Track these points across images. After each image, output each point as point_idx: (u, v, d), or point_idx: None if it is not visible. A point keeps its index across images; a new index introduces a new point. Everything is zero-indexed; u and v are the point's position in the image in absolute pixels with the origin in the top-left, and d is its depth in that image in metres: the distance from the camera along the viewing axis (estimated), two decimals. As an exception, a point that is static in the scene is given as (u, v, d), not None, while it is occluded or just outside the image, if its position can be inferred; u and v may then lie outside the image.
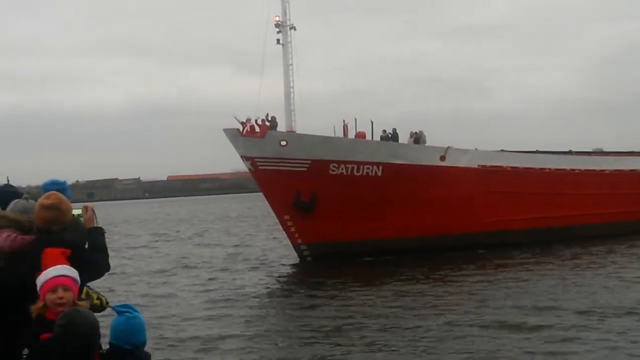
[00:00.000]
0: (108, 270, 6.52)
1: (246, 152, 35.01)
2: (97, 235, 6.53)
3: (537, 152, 43.07)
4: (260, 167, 35.14)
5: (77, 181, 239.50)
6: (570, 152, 44.55)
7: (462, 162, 37.41)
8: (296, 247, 35.96)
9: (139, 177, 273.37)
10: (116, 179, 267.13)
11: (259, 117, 34.68)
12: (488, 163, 38.41)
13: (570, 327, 17.65)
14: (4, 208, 7.01)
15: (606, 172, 42.75)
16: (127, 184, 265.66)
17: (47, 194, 6.54)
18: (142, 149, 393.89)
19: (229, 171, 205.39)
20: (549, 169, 40.42)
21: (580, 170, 41.72)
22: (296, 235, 35.73)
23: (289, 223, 35.72)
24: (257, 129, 34.60)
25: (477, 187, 36.90)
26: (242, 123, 34.63)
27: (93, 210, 6.68)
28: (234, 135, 34.93)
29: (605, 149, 52.63)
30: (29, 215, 6.48)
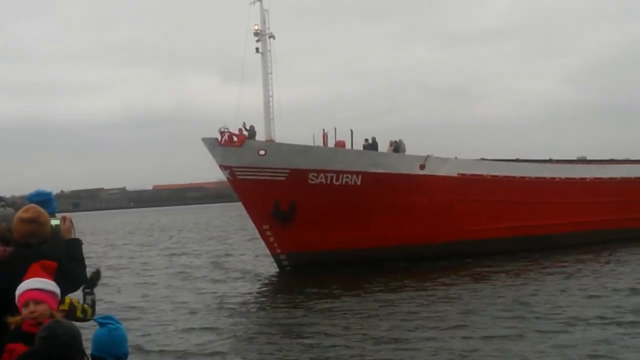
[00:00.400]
0: (85, 281, 6.55)
1: (224, 161, 34.72)
2: (74, 246, 6.55)
3: (517, 160, 43.00)
4: (238, 177, 34.84)
5: (62, 191, 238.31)
6: (550, 160, 44.52)
7: (442, 171, 37.27)
8: (275, 257, 35.65)
9: (125, 187, 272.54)
10: (102, 188, 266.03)
11: (237, 126, 34.46)
12: (468, 171, 38.29)
13: (552, 335, 17.48)
14: None
15: (587, 180, 42.77)
16: (112, 193, 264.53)
17: (25, 207, 6.51)
18: (128, 158, 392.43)
19: (215, 180, 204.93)
20: (529, 177, 40.37)
21: (560, 178, 41.71)
22: (275, 245, 35.44)
23: (268, 233, 35.43)
24: (236, 139, 34.31)
25: (457, 195, 36.76)
26: (221, 132, 34.37)
27: (71, 221, 6.66)
28: (212, 144, 34.65)
29: (598, 156, 52.27)
30: (8, 224, 6.47)
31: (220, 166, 35.10)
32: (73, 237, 6.66)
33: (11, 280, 5.71)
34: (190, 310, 24.26)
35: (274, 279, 33.57)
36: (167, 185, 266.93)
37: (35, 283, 5.48)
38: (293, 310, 23.87)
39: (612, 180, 43.61)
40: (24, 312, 5.35)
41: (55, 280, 5.79)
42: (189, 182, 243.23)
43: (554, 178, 41.43)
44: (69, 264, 6.32)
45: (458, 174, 37.87)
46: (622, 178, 44.34)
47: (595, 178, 43.10)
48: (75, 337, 5.02)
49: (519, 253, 35.62)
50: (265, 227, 35.44)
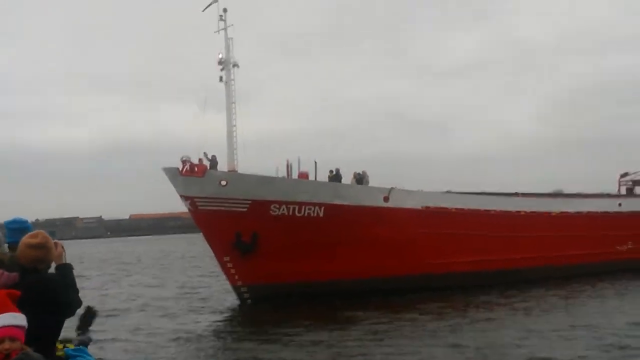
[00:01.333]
0: (79, 306, 6.58)
1: (185, 191, 34.15)
2: (66, 270, 6.58)
3: (483, 193, 42.76)
4: (199, 207, 34.25)
5: (37, 219, 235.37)
6: (516, 194, 44.32)
7: (407, 203, 36.89)
8: (236, 289, 34.99)
9: (101, 216, 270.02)
10: (77, 217, 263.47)
11: (199, 156, 33.88)
12: (433, 204, 37.96)
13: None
14: None
15: (552, 214, 42.61)
16: (88, 222, 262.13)
17: (33, 232, 6.57)
18: (104, 188, 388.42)
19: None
20: (494, 210, 40.10)
21: (525, 212, 41.51)
22: (236, 277, 34.80)
23: (229, 264, 34.81)
24: (196, 169, 33.76)
25: (421, 228, 36.35)
26: (182, 162, 33.81)
27: (62, 247, 6.68)
28: (173, 174, 34.10)
29: (572, 189, 52.22)
30: (10, 253, 6.58)
31: (181, 196, 34.50)
32: (64, 262, 6.64)
33: (28, 308, 5.77)
34: (150, 343, 23.75)
35: (233, 312, 32.86)
36: (145, 215, 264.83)
37: (11, 319, 5.44)
38: (248, 342, 23.53)
39: (577, 215, 43.50)
40: None
41: (54, 308, 6.10)
42: (166, 212, 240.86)
43: (519, 212, 41.23)
44: (67, 292, 6.38)
45: (423, 206, 37.52)
46: (588, 212, 44.26)
47: (560, 212, 42.97)
48: None
49: (480, 287, 35.23)
50: (226, 258, 34.81)
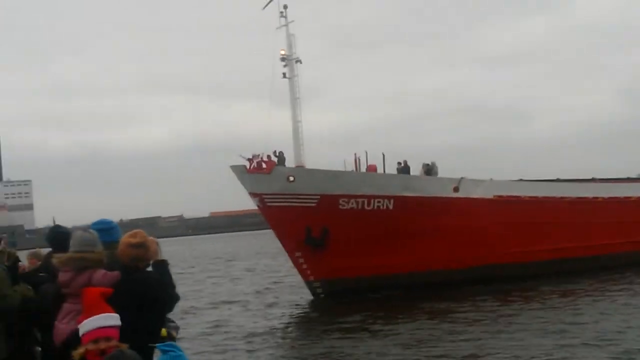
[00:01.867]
0: (178, 300, 6.98)
1: (253, 189, 34.27)
2: (164, 267, 6.90)
3: (557, 180, 41.55)
4: (268, 204, 34.34)
5: (122, 220, 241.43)
6: (593, 180, 42.89)
7: (477, 193, 36.20)
8: (308, 284, 34.97)
9: (182, 215, 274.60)
10: (159, 217, 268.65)
11: (264, 153, 33.89)
12: (504, 193, 37.12)
13: None
14: (56, 249, 7.66)
15: (632, 199, 41.11)
16: (170, 221, 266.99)
17: (132, 232, 6.90)
18: (184, 186, 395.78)
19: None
20: (570, 197, 38.91)
21: (603, 198, 40.14)
22: (308, 272, 34.77)
23: (301, 260, 34.79)
24: (264, 165, 33.82)
25: (492, 217, 35.57)
26: (249, 159, 33.90)
27: (157, 244, 6.95)
28: (241, 172, 34.23)
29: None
30: (94, 248, 6.84)
31: (249, 194, 34.65)
32: (161, 258, 6.93)
33: (129, 305, 6.10)
34: (227, 337, 24.07)
35: (307, 307, 32.84)
36: (223, 212, 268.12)
37: (105, 320, 5.68)
38: (324, 336, 23.56)
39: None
40: (92, 347, 5.50)
41: (155, 306, 6.45)
42: (243, 209, 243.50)
43: (596, 197, 39.90)
44: (166, 287, 6.71)
45: (494, 195, 36.74)
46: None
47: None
48: None
49: (559, 276, 34.27)
50: (298, 254, 34.82)
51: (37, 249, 10.43)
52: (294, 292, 37.01)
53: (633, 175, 48.43)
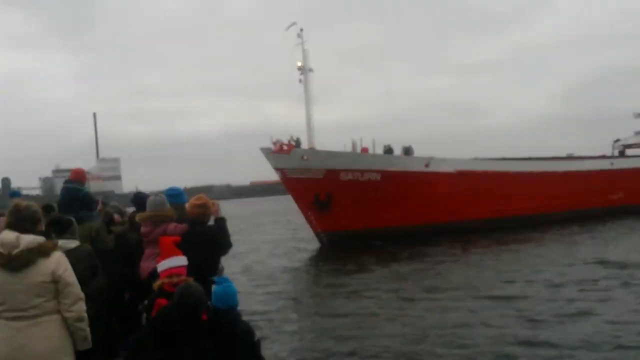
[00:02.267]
0: (231, 247, 7.01)
1: (277, 165, 34.26)
2: (223, 223, 6.95)
3: (503, 159, 41.19)
4: (288, 176, 34.33)
5: (185, 187, 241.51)
6: (529, 158, 42.53)
7: (443, 168, 35.96)
8: (317, 235, 34.97)
9: (230, 183, 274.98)
10: (213, 185, 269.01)
11: (288, 139, 33.90)
12: (464, 168, 36.86)
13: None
14: (138, 209, 7.87)
15: (558, 172, 40.77)
16: (219, 188, 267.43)
17: (197, 196, 7.03)
18: (230, 163, 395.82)
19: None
20: (512, 171, 38.62)
21: (537, 171, 39.83)
22: (317, 226, 34.74)
23: (311, 217, 34.77)
24: (285, 147, 33.76)
25: (454, 187, 35.41)
26: (274, 143, 33.88)
27: (218, 205, 7.04)
28: (268, 152, 34.23)
29: (576, 154, 49.24)
30: (163, 209, 6.93)
31: (274, 168, 34.63)
32: (221, 216, 7.00)
33: (195, 249, 6.06)
34: (252, 278, 23.29)
35: (315, 252, 32.80)
36: (260, 182, 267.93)
37: (177, 261, 5.67)
38: (331, 274, 23.39)
39: (579, 172, 41.51)
40: (167, 280, 5.56)
41: (214, 250, 6.49)
42: (274, 179, 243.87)
43: (532, 171, 39.59)
44: (222, 237, 6.73)
45: (456, 170, 36.49)
46: (588, 170, 42.22)
47: (566, 171, 41.08)
48: (202, 293, 5.12)
49: (505, 229, 33.99)
50: (309, 213, 34.79)
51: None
52: (305, 241, 37.09)
53: (562, 155, 48.02)
